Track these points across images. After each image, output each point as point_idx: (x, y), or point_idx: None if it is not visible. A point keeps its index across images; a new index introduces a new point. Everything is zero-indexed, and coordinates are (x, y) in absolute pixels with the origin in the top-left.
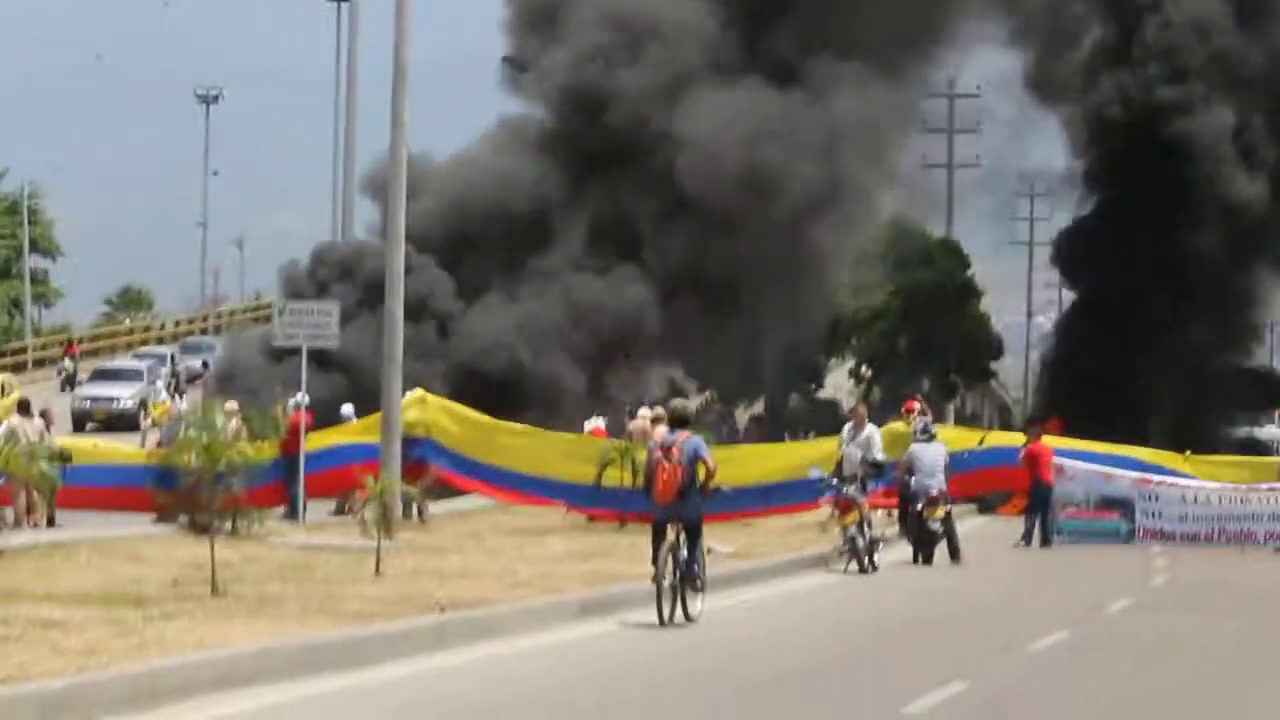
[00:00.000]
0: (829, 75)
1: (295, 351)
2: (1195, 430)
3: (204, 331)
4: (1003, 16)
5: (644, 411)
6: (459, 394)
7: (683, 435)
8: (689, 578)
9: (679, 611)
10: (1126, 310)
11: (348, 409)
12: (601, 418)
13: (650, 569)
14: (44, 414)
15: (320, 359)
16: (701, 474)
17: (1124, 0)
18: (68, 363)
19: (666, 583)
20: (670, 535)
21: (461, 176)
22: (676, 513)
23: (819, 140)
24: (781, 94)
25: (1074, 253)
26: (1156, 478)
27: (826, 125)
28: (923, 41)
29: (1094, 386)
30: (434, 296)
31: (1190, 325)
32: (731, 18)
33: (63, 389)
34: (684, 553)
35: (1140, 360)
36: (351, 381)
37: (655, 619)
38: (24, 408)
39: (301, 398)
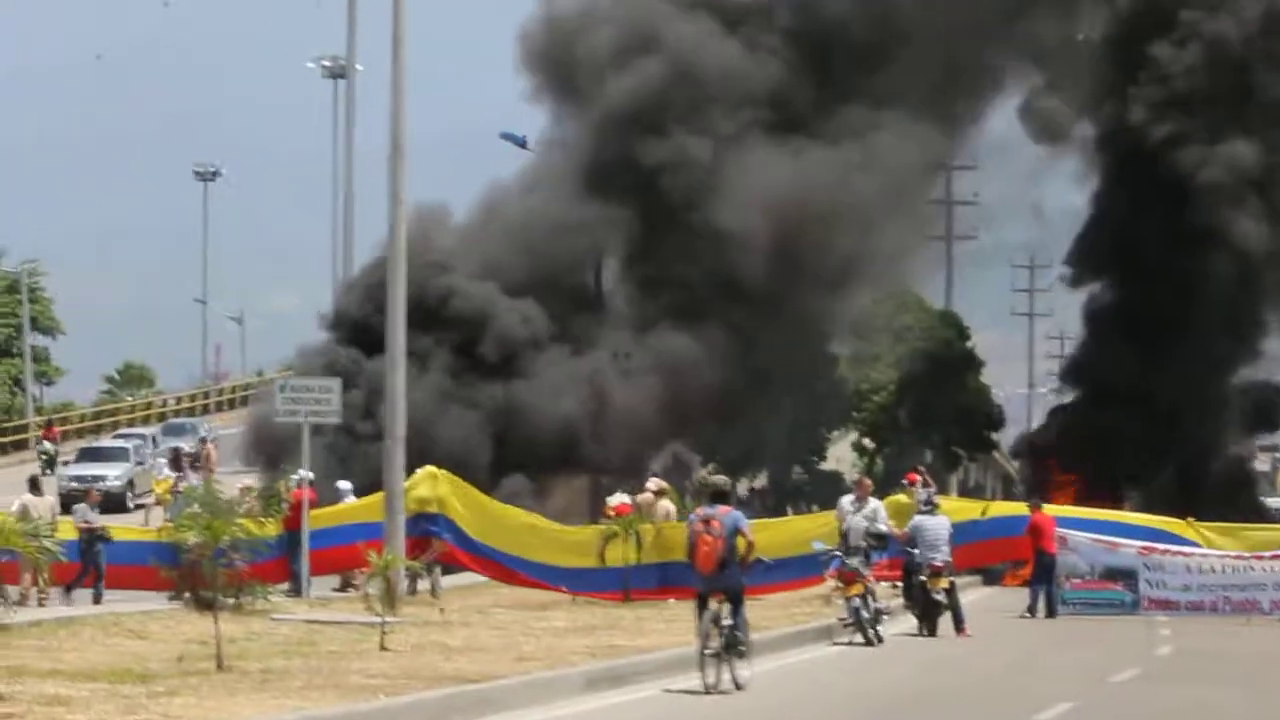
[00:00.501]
0: (862, 131)
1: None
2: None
3: (192, 412)
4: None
5: (651, 484)
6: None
7: (723, 509)
8: (734, 645)
9: (725, 677)
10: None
11: (345, 485)
12: (626, 495)
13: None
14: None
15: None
16: (741, 546)
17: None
18: (48, 445)
19: (710, 651)
20: (713, 605)
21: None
22: (719, 583)
23: (859, 209)
24: (825, 150)
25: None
26: (1160, 547)
27: (863, 192)
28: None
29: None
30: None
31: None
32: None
33: (44, 472)
34: (727, 621)
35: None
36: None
37: (698, 686)
38: (35, 485)
39: (304, 474)
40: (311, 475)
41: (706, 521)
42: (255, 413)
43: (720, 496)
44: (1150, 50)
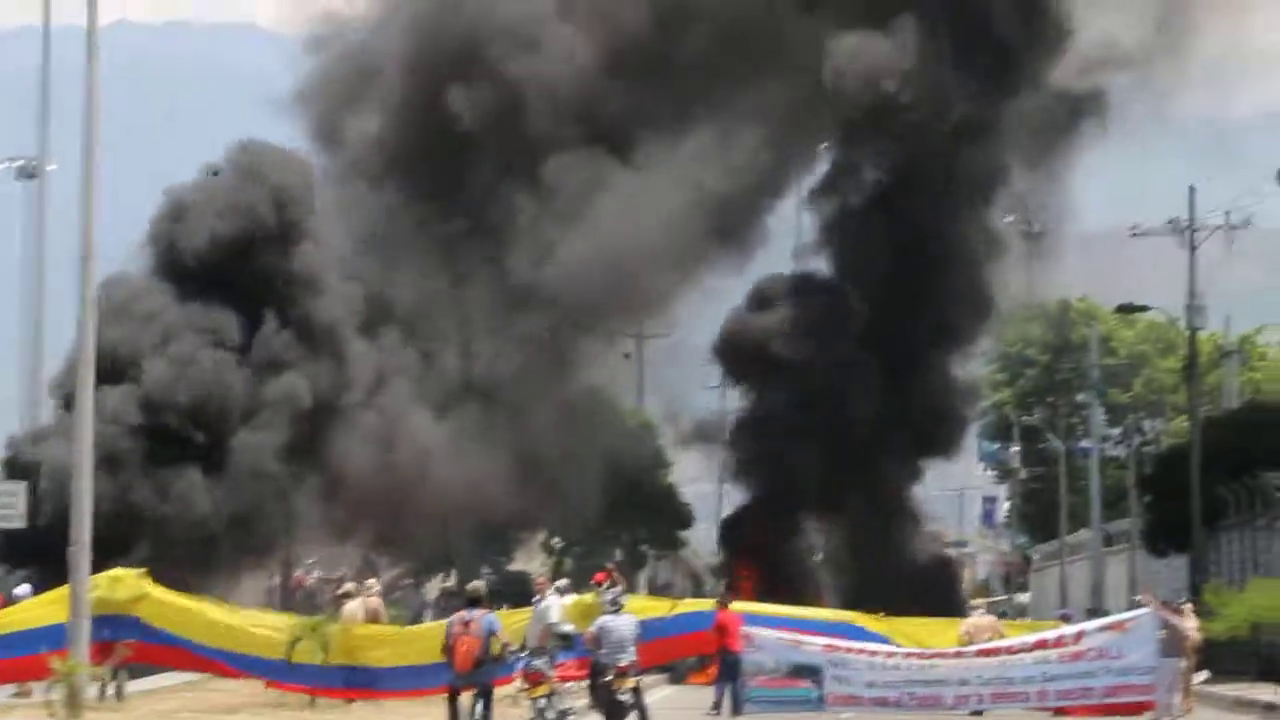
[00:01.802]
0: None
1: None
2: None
3: None
4: None
5: (350, 588)
6: None
7: (479, 612)
8: None
9: None
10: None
11: (23, 589)
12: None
13: None
14: None
15: None
16: (495, 647)
17: None
18: None
19: None
20: (465, 701)
21: None
22: (474, 679)
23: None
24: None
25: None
26: (844, 644)
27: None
28: None
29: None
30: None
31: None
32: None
33: None
34: (478, 715)
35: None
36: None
37: None
38: None
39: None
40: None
41: (465, 624)
42: None
43: (475, 602)
44: None
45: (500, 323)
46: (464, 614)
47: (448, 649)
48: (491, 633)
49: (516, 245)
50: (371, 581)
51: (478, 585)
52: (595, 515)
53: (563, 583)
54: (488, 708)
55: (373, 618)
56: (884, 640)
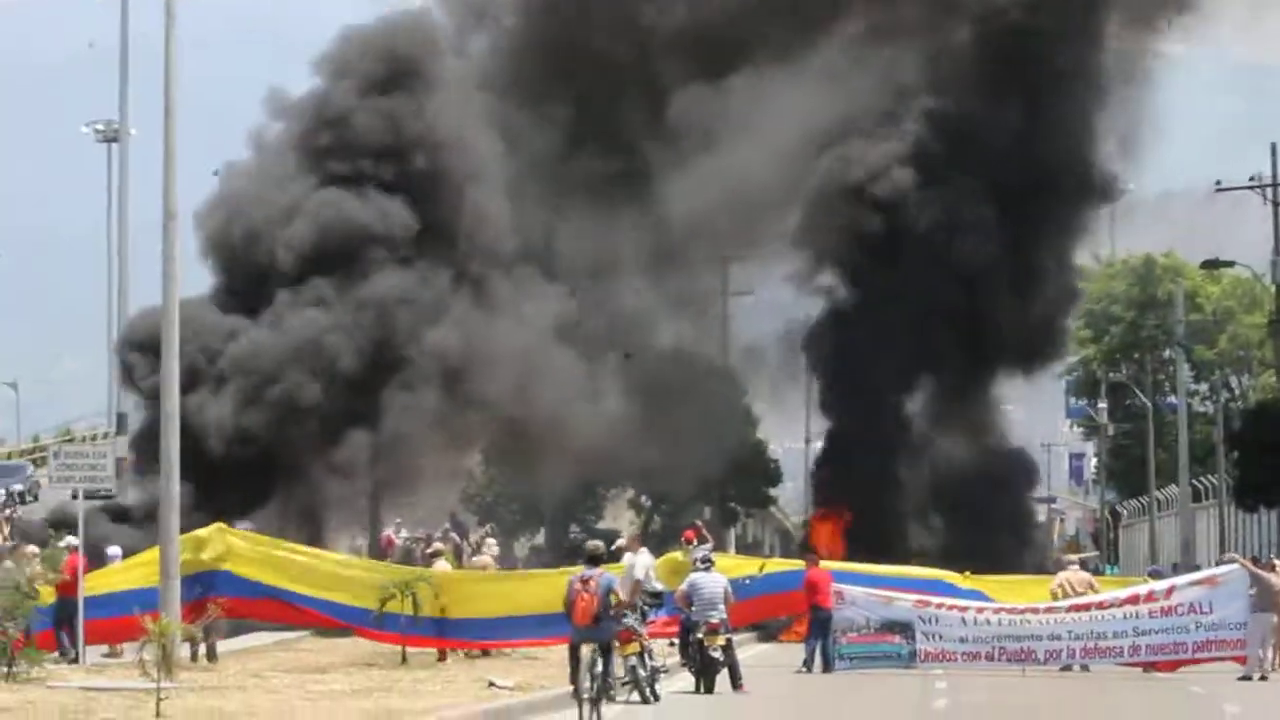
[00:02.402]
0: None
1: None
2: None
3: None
4: None
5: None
6: None
7: (598, 571)
8: (605, 689)
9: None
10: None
11: (114, 550)
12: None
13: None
14: None
15: None
16: (613, 601)
17: None
18: None
19: (586, 695)
20: (586, 654)
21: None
22: (593, 634)
23: None
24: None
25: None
26: (936, 600)
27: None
28: None
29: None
30: None
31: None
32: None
33: None
34: (599, 668)
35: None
36: None
37: None
38: None
39: (71, 540)
40: (75, 542)
41: (584, 581)
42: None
43: (595, 560)
44: None
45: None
46: (584, 571)
47: (568, 604)
48: (610, 589)
49: (651, 181)
50: (490, 540)
51: (597, 544)
52: (690, 472)
53: (705, 549)
54: (607, 661)
55: None
56: (976, 595)
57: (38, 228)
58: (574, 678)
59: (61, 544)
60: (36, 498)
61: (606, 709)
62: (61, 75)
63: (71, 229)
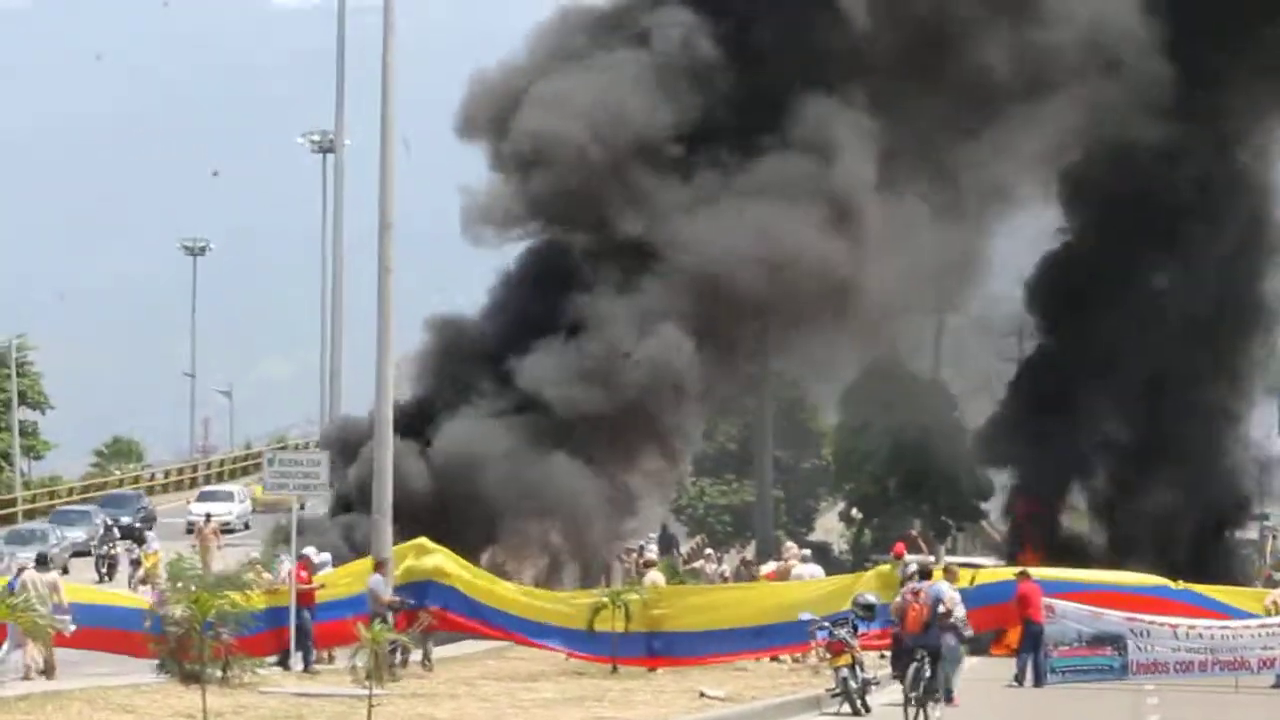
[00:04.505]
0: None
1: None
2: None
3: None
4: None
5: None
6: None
7: (928, 583)
8: (932, 692)
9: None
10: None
11: (324, 556)
12: (775, 561)
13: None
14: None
15: None
16: (940, 611)
17: None
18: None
19: (914, 695)
20: (916, 660)
21: None
22: (922, 641)
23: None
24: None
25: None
26: (1147, 617)
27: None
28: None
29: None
30: None
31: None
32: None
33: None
34: (927, 673)
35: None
36: None
37: None
38: (41, 561)
39: (309, 551)
40: (308, 552)
41: (915, 593)
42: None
43: (925, 574)
44: None
45: None
46: (914, 584)
47: (899, 614)
48: (938, 599)
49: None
50: (709, 552)
51: (927, 560)
52: (896, 486)
53: (917, 561)
54: (935, 667)
55: None
56: (1194, 597)
57: (248, 218)
58: (902, 680)
59: (278, 554)
60: (151, 526)
61: (933, 710)
62: (277, 81)
63: (281, 223)
